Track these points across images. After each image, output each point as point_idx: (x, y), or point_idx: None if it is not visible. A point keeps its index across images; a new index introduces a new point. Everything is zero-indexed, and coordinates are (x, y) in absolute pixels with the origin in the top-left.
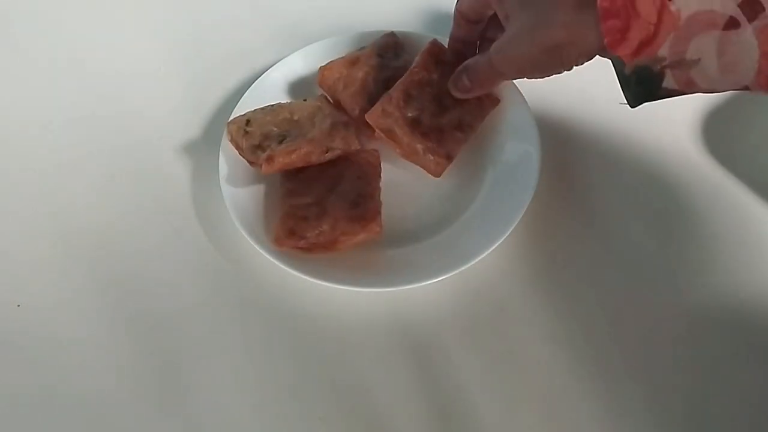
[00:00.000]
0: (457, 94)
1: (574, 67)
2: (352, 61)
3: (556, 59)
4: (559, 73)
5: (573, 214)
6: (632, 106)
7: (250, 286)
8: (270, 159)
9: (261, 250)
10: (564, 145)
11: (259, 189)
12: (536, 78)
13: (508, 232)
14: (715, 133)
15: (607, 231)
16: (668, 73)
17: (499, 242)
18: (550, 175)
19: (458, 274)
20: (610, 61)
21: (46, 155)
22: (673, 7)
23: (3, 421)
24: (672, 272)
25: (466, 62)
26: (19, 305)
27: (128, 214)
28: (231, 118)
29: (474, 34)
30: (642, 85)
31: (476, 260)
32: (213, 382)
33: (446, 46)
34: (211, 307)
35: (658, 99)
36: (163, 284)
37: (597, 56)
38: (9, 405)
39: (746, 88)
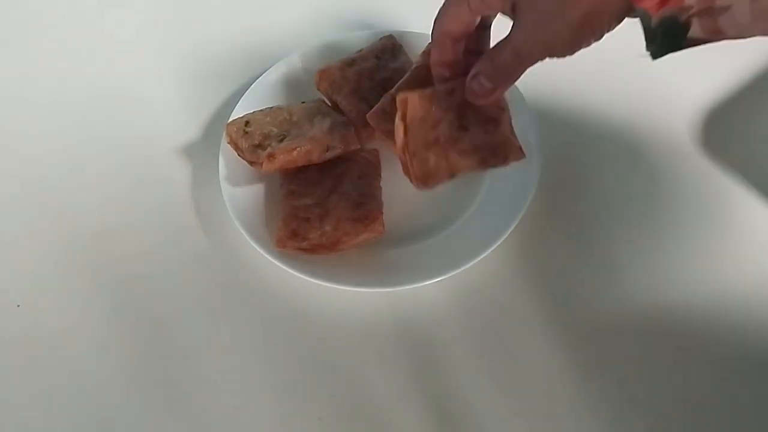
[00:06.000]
0: (479, 101)
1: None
2: (348, 63)
3: (588, 31)
4: (589, 45)
5: (573, 214)
6: (654, 58)
7: (251, 286)
8: (271, 156)
9: (262, 251)
10: (564, 145)
11: (259, 190)
12: (565, 56)
13: (508, 233)
14: (716, 133)
15: (607, 231)
16: (695, 21)
17: (499, 242)
18: (550, 175)
19: (458, 274)
20: (607, 67)
21: (46, 156)
22: None
23: (3, 420)
24: (672, 273)
25: (477, 67)
26: (19, 305)
27: (129, 215)
28: (230, 119)
29: (459, 52)
30: (667, 37)
31: (476, 260)
32: (213, 382)
33: None
34: (212, 308)
35: (682, 49)
36: (163, 285)
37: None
38: (9, 405)
39: None
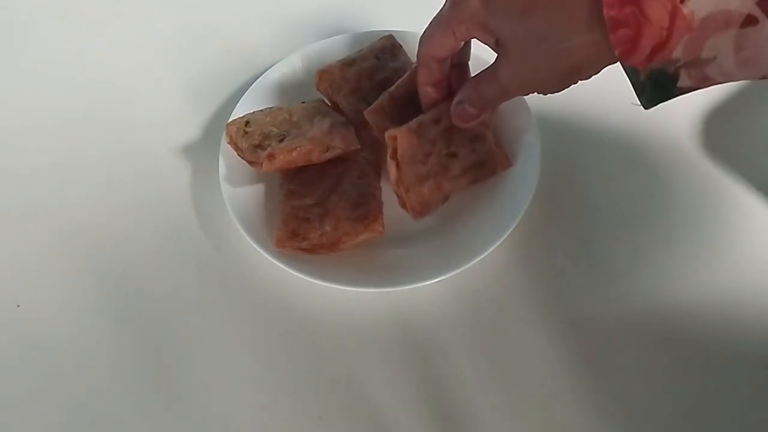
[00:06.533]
0: (464, 125)
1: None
2: (348, 63)
3: (575, 77)
4: (575, 84)
5: (573, 214)
6: (647, 108)
7: (251, 286)
8: (271, 156)
9: (262, 251)
10: (564, 146)
11: (259, 190)
12: (551, 94)
13: (508, 233)
14: (716, 133)
15: (606, 231)
16: (683, 72)
17: (499, 242)
18: (550, 175)
19: (458, 274)
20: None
21: (46, 156)
22: (686, 10)
23: (3, 421)
24: (672, 273)
25: (461, 94)
26: (18, 305)
27: (128, 215)
28: (230, 119)
29: (445, 70)
30: (657, 88)
31: (476, 260)
32: (213, 383)
33: None
34: (211, 308)
35: (674, 97)
36: (163, 285)
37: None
38: (9, 405)
39: (765, 77)
